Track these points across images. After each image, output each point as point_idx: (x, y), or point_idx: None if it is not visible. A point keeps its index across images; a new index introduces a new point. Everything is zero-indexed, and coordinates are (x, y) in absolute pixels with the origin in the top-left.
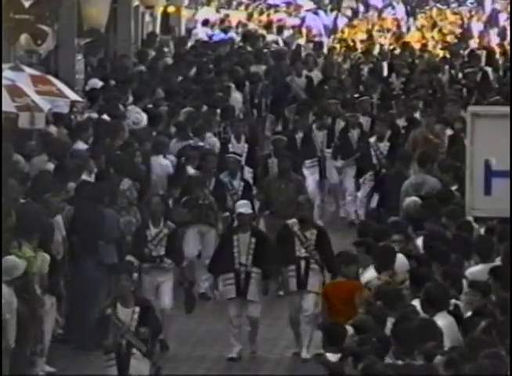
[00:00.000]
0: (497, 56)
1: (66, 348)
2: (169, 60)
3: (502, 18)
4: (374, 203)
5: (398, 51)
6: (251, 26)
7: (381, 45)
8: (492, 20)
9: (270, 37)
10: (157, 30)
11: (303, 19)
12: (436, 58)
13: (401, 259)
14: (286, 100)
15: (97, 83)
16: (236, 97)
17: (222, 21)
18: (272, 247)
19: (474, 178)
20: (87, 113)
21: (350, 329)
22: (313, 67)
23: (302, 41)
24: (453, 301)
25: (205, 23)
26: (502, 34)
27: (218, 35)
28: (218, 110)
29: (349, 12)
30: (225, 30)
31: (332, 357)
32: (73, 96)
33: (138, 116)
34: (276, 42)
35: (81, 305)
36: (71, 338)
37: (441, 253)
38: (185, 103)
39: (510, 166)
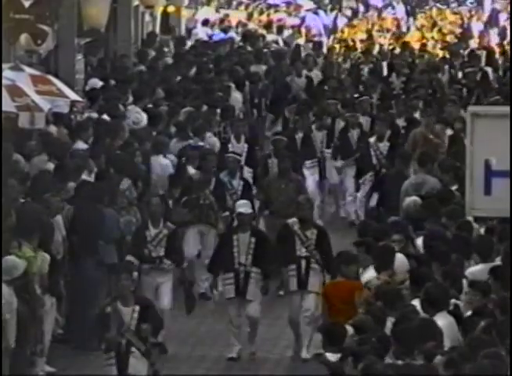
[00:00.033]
0: (497, 55)
1: (66, 348)
2: (169, 60)
3: (503, 18)
4: (374, 202)
5: (397, 51)
6: (251, 26)
7: (381, 45)
8: (492, 20)
9: (270, 37)
10: (157, 30)
11: (303, 19)
12: (436, 58)
13: (400, 259)
14: (285, 100)
15: (97, 83)
16: (236, 97)
17: (222, 21)
18: (271, 247)
19: (474, 178)
20: (87, 113)
21: (350, 329)
22: (313, 67)
23: (302, 40)
24: (453, 301)
25: (205, 22)
26: (502, 34)
27: (218, 35)
28: (218, 110)
29: (349, 12)
30: (224, 30)
31: (332, 357)
32: (73, 96)
33: (138, 116)
34: (276, 42)
35: (81, 305)
36: (71, 338)
37: (441, 253)
38: (185, 103)
39: (510, 166)
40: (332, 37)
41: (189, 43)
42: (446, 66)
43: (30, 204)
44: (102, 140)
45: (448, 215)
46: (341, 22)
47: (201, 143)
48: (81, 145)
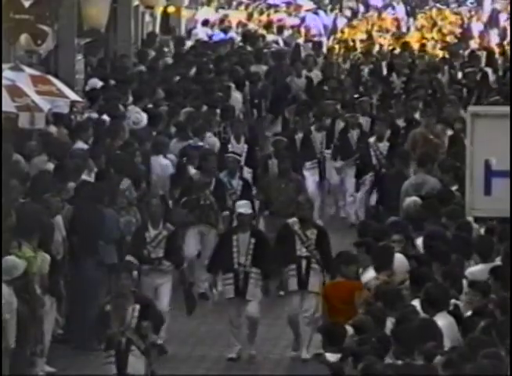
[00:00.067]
0: (497, 56)
1: (66, 348)
2: (169, 60)
3: (503, 18)
4: (373, 201)
5: (397, 51)
6: (251, 26)
7: (381, 46)
8: (492, 21)
9: (270, 38)
10: (157, 30)
11: (303, 19)
12: (435, 58)
13: (400, 259)
14: (285, 101)
15: (97, 83)
16: (237, 97)
17: (222, 21)
18: (271, 248)
19: (474, 178)
20: (87, 113)
21: (350, 329)
22: (313, 67)
23: (301, 40)
24: (453, 301)
25: (205, 23)
26: (502, 35)
27: (218, 35)
28: (218, 110)
29: (349, 13)
30: (224, 30)
31: (332, 357)
32: (73, 96)
33: (138, 116)
34: (276, 42)
35: (81, 305)
36: (71, 338)
37: (442, 253)
38: (185, 103)
39: (510, 166)
40: (332, 37)
41: (189, 43)
42: (446, 67)
43: (30, 204)
44: (102, 140)
45: (448, 216)
46: (341, 22)
47: (201, 143)
48: (80, 145)
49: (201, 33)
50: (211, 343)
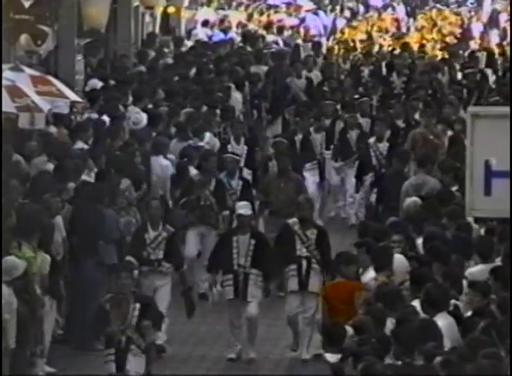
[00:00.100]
0: (496, 56)
1: (66, 348)
2: (169, 60)
3: (503, 19)
4: (373, 200)
5: (397, 51)
6: (251, 26)
7: (381, 46)
8: (492, 21)
9: (270, 38)
10: (157, 30)
11: (303, 20)
12: (435, 58)
13: (400, 260)
14: (285, 101)
15: (97, 83)
16: (237, 97)
17: (222, 22)
18: (271, 249)
19: (474, 178)
20: (87, 113)
21: (350, 329)
22: (312, 68)
23: (300, 41)
24: (453, 301)
25: (205, 23)
26: (502, 35)
27: (218, 36)
28: (218, 111)
29: (348, 13)
30: (224, 31)
31: (332, 358)
32: (73, 97)
33: (138, 116)
34: (276, 42)
35: (81, 305)
36: (71, 338)
37: (442, 253)
38: (185, 104)
39: (510, 166)
40: (332, 37)
41: (189, 44)
42: (446, 68)
43: (30, 204)
44: (102, 141)
45: (448, 216)
46: (340, 23)
47: (201, 144)
48: (80, 145)
49: (201, 33)
50: (211, 343)
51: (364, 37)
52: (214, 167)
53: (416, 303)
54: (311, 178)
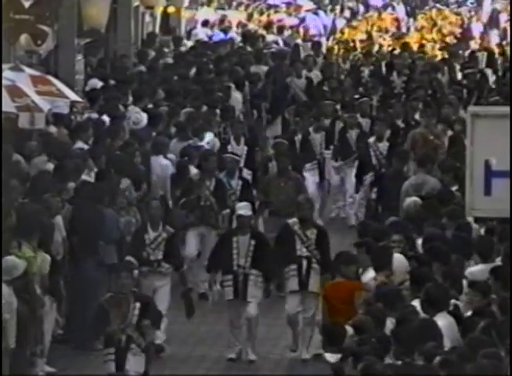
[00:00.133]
0: (496, 56)
1: (66, 348)
2: (169, 60)
3: (503, 19)
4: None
5: (397, 51)
6: (251, 26)
7: (380, 46)
8: (492, 21)
9: (270, 38)
10: (157, 30)
11: (302, 20)
12: (434, 58)
13: (399, 259)
14: (285, 101)
15: (97, 83)
16: (237, 97)
17: (222, 21)
18: (271, 250)
19: (474, 178)
20: (87, 113)
21: (350, 329)
22: (312, 67)
23: (299, 40)
24: (453, 301)
25: (205, 23)
26: (502, 35)
27: (218, 35)
28: (218, 111)
29: (348, 13)
30: (224, 31)
31: (332, 357)
32: (73, 97)
33: (138, 116)
34: (276, 42)
35: (81, 305)
36: (71, 338)
37: (442, 253)
38: (185, 104)
39: (510, 166)
40: (331, 37)
41: (189, 43)
42: (446, 68)
43: (30, 204)
44: (102, 140)
45: (448, 216)
46: (340, 23)
47: (201, 143)
48: (80, 145)
49: (201, 33)
50: (211, 343)
51: (364, 37)
52: (215, 167)
53: (416, 303)
54: (311, 179)
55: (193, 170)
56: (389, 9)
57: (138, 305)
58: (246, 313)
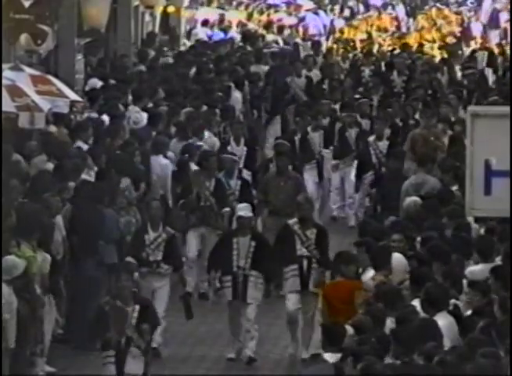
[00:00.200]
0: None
1: (66, 348)
2: (169, 60)
3: (503, 18)
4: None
5: (397, 51)
6: (251, 26)
7: (380, 45)
8: (492, 21)
9: (270, 37)
10: (157, 30)
11: (302, 19)
12: (433, 58)
13: (399, 259)
14: (285, 101)
15: (97, 83)
16: (237, 97)
17: (222, 21)
18: (271, 251)
19: (474, 178)
20: (87, 113)
21: (350, 329)
22: (312, 67)
23: (299, 39)
24: (453, 301)
25: (205, 23)
26: (502, 35)
27: (218, 35)
28: (218, 110)
29: (347, 13)
30: (224, 30)
31: (331, 357)
32: (73, 96)
33: (138, 115)
34: (276, 42)
35: (81, 305)
36: (71, 338)
37: (442, 253)
38: (185, 103)
39: (510, 166)
40: (331, 37)
41: (189, 43)
42: (445, 67)
43: (29, 204)
44: (102, 140)
45: (448, 215)
46: (339, 23)
47: (200, 143)
48: (81, 145)
49: (201, 33)
50: (211, 343)
51: (364, 36)
52: (215, 167)
53: (415, 303)
54: (310, 179)
55: (194, 167)
56: (389, 9)
57: (137, 307)
58: (246, 315)
